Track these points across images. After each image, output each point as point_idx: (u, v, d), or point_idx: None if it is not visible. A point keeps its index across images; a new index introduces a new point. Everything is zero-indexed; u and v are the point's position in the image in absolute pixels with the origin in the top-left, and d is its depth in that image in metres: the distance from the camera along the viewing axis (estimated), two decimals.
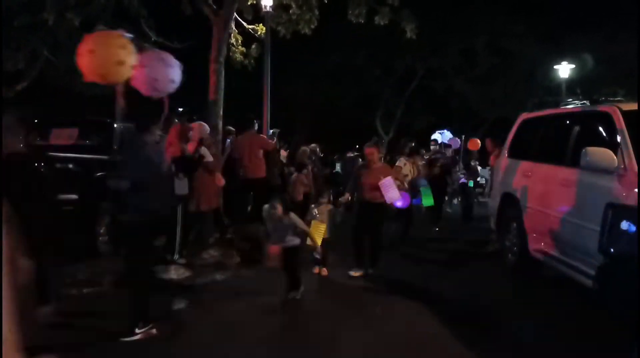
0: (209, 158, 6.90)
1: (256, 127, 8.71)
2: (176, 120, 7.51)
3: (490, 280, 6.51)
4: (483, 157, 20.76)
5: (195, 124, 7.23)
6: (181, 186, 6.47)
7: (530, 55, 23.01)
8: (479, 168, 21.43)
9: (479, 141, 20.57)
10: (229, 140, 9.40)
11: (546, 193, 5.87)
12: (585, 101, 6.11)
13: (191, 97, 14.94)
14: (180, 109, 10.00)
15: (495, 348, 4.19)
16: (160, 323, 4.40)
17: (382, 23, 9.09)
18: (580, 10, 21.20)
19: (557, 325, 4.78)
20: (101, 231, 7.01)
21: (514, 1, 21.67)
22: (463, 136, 20.49)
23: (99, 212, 6.97)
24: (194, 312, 4.97)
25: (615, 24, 20.62)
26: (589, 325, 4.78)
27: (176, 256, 6.48)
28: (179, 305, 5.09)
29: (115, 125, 8.24)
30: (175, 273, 6.13)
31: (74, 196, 6.56)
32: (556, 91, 22.06)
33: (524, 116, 7.36)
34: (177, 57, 5.23)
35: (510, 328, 4.73)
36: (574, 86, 22.10)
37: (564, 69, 21.66)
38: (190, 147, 6.71)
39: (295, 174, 9.96)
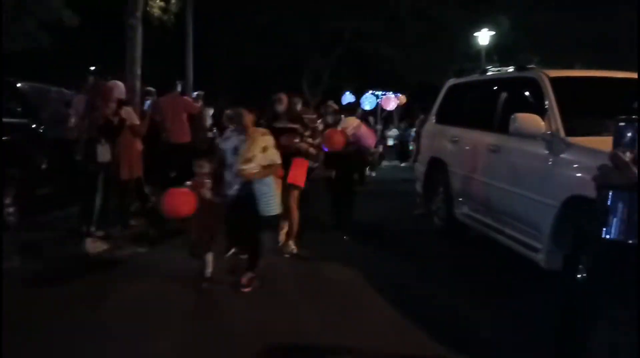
0: (136, 120, 6.39)
1: (179, 88, 8.22)
2: (91, 78, 6.93)
3: (419, 244, 6.59)
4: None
5: (110, 84, 6.68)
6: (103, 152, 5.96)
7: (453, 22, 23.42)
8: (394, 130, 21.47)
9: (393, 98, 20.25)
10: (148, 102, 8.84)
11: (474, 158, 5.95)
12: (508, 67, 6.19)
13: (106, 56, 14.01)
14: (92, 68, 9.28)
15: (427, 313, 4.22)
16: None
17: None
18: None
19: (485, 287, 4.90)
20: (7, 201, 6.40)
21: None
22: (380, 93, 20.10)
23: (5, 181, 6.34)
24: (110, 289, 4.62)
25: None
26: (519, 284, 4.96)
27: (93, 229, 6.02)
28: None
29: (18, 85, 7.51)
30: (91, 246, 5.71)
31: None
32: (476, 58, 22.74)
33: (451, 81, 7.39)
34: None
35: (443, 292, 4.79)
36: (492, 53, 22.95)
37: (484, 36, 22.26)
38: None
39: (218, 139, 9.58)
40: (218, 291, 4.66)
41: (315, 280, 5.07)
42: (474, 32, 22.63)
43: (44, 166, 7.26)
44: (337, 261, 5.62)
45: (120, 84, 7.08)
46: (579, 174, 4.03)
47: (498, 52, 23.10)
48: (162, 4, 9.36)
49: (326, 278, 5.13)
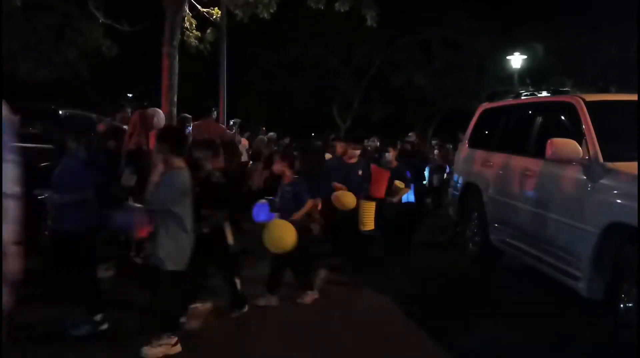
0: None
1: (215, 115, 8.38)
2: (128, 110, 7.12)
3: (453, 271, 6.46)
4: None
5: (150, 111, 6.84)
6: (129, 177, 5.97)
7: (482, 48, 23.40)
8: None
9: None
10: (189, 129, 9.03)
11: (509, 182, 5.86)
12: (543, 91, 6.13)
13: (142, 83, 14.43)
14: (130, 95, 9.54)
15: (464, 340, 4.13)
16: None
17: (342, 10, 8.90)
18: (530, 6, 21.77)
19: (520, 316, 4.79)
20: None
21: None
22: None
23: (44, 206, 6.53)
24: None
25: (563, 20, 21.26)
26: (555, 313, 4.82)
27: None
28: None
29: (60, 112, 7.78)
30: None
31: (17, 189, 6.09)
32: (508, 81, 22.57)
33: (485, 106, 7.34)
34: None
35: (480, 320, 4.69)
36: (524, 77, 22.76)
37: (516, 60, 22.14)
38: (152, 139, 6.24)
39: (251, 164, 9.74)
40: None
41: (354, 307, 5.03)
42: (506, 56, 22.52)
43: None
44: (368, 289, 5.52)
45: (159, 111, 7.26)
46: (619, 201, 3.94)
47: (530, 75, 22.90)
48: (198, 33, 9.62)
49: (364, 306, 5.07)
